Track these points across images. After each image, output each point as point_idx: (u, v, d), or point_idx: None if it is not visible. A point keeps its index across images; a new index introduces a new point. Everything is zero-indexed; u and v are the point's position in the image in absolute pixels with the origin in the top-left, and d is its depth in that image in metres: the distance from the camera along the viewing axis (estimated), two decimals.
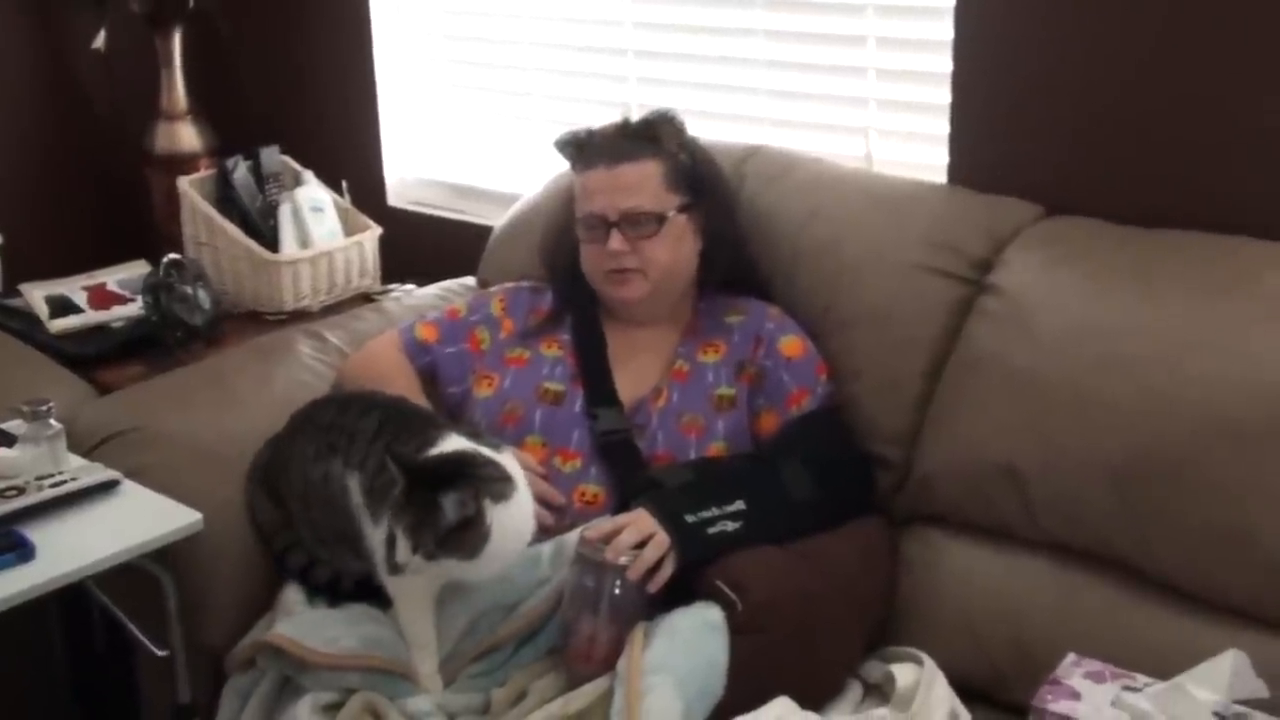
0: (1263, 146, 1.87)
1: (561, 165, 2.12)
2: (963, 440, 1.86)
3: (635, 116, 2.07)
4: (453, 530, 1.58)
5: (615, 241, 1.94)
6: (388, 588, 1.74)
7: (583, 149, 2.03)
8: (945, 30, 2.10)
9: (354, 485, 1.76)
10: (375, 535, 1.72)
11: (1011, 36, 2.04)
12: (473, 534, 1.60)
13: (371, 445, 1.77)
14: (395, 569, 1.67)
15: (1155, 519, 1.68)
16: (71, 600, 2.05)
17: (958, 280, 1.96)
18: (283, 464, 1.89)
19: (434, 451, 1.68)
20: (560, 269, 2.08)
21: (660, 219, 1.95)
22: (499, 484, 1.64)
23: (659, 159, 1.98)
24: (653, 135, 2.00)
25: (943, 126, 2.15)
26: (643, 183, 1.96)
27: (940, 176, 2.16)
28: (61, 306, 2.60)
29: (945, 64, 2.12)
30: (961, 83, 2.10)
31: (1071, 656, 1.60)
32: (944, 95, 2.13)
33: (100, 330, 2.57)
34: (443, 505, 1.58)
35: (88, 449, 1.96)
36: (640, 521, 1.70)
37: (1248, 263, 1.77)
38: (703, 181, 2.02)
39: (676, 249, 1.98)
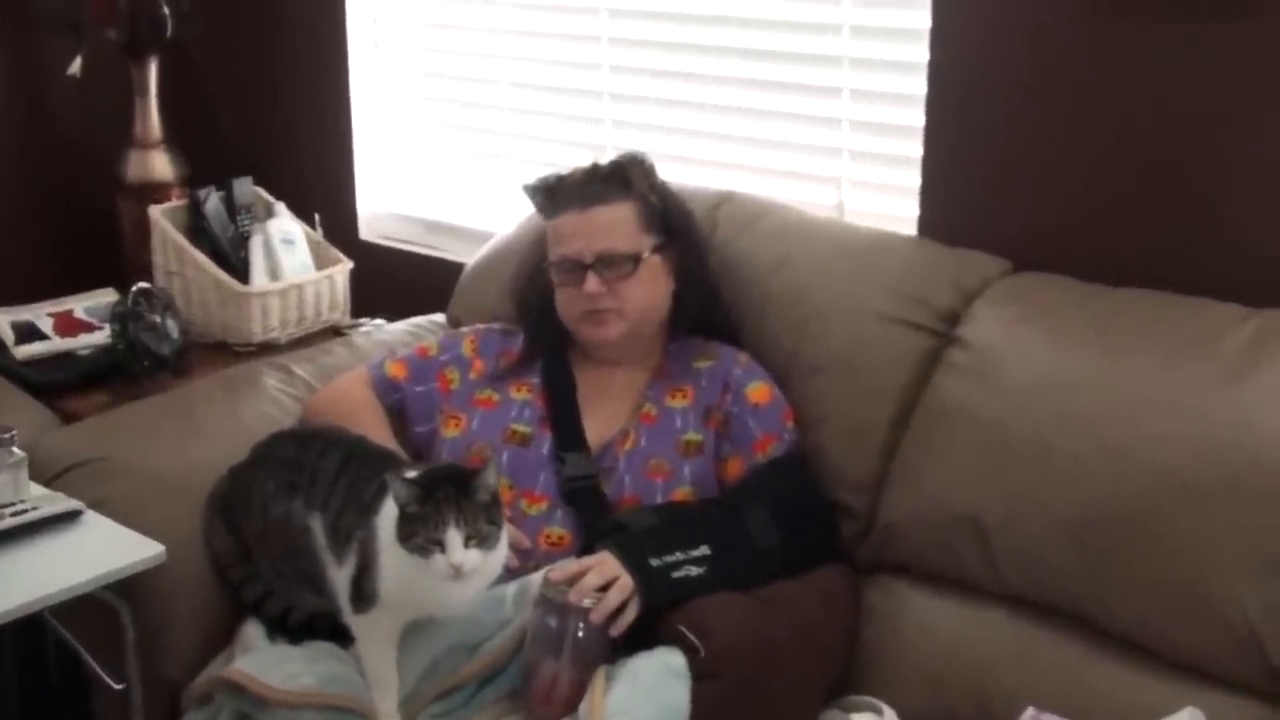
0: (1225, 211, 1.90)
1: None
2: (927, 490, 1.88)
3: (605, 159, 2.08)
4: (489, 506, 1.62)
5: (592, 284, 1.95)
6: (352, 627, 1.73)
7: (553, 194, 2.04)
8: (919, 85, 2.13)
9: (317, 526, 1.75)
10: (339, 575, 1.72)
11: (984, 93, 2.07)
12: (499, 508, 1.65)
13: (334, 485, 1.76)
14: (362, 603, 1.67)
15: (1113, 574, 1.69)
16: (26, 630, 2.03)
17: (925, 332, 1.98)
18: (243, 495, 1.88)
19: None
20: (531, 310, 2.09)
21: (635, 259, 1.96)
22: None
23: (631, 200, 1.99)
24: (623, 177, 2.01)
25: (914, 179, 2.18)
26: (616, 224, 1.97)
27: (910, 229, 2.19)
28: (27, 332, 2.58)
29: (918, 118, 2.14)
30: (933, 137, 2.13)
31: (1030, 711, 1.61)
32: (916, 149, 2.16)
33: (66, 358, 2.56)
34: (484, 478, 1.62)
35: (50, 478, 1.95)
36: (605, 564, 1.71)
37: (1208, 325, 1.79)
38: (674, 222, 2.03)
39: (652, 288, 1.99)
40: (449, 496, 1.59)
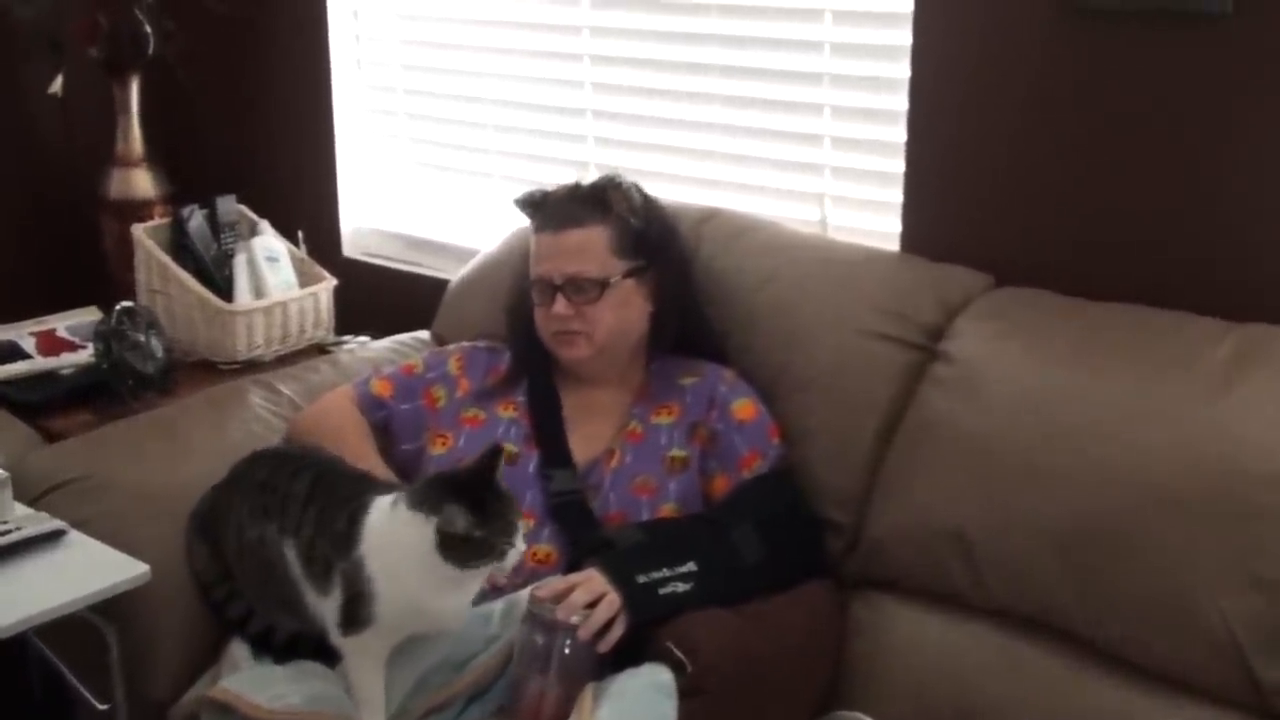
0: (1206, 225, 1.91)
1: (518, 222, 2.14)
2: (912, 505, 1.88)
3: (589, 179, 2.08)
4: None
5: (559, 305, 1.96)
6: (340, 647, 1.72)
7: (538, 209, 2.05)
8: (900, 102, 2.15)
9: (290, 554, 1.74)
10: (323, 604, 1.71)
11: (964, 109, 2.08)
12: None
13: (303, 513, 1.75)
14: (354, 627, 1.67)
15: (1098, 588, 1.70)
16: (9, 650, 2.02)
17: (909, 347, 1.99)
18: (220, 515, 1.87)
19: (369, 513, 1.69)
20: (519, 327, 2.09)
21: (603, 285, 1.96)
22: None
23: (606, 224, 1.99)
24: (602, 200, 2.01)
25: (896, 195, 2.19)
26: (587, 249, 1.97)
27: (893, 244, 2.20)
28: (9, 352, 2.57)
29: (899, 135, 2.16)
30: (915, 153, 2.15)
31: None
32: (898, 165, 2.17)
33: (48, 377, 2.55)
34: (499, 472, 1.66)
35: (33, 498, 1.94)
36: (591, 581, 1.71)
37: (1189, 339, 1.80)
38: (654, 245, 2.03)
39: (622, 312, 1.99)
40: (498, 502, 1.63)
